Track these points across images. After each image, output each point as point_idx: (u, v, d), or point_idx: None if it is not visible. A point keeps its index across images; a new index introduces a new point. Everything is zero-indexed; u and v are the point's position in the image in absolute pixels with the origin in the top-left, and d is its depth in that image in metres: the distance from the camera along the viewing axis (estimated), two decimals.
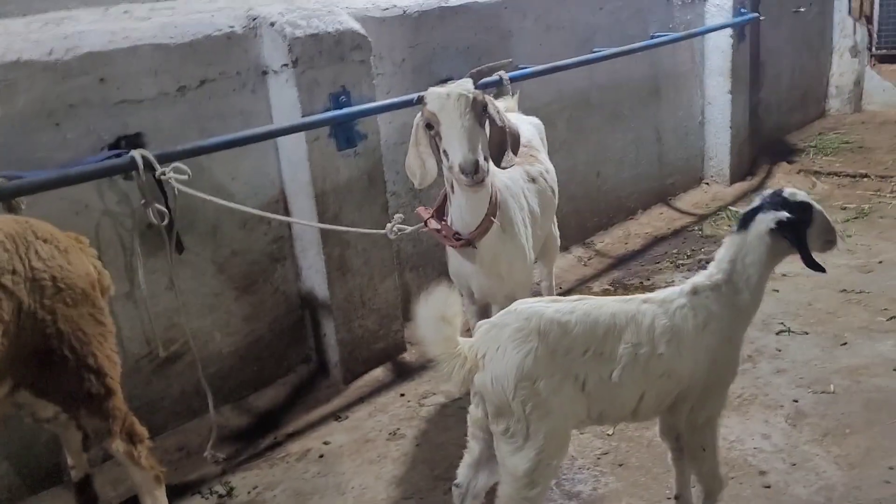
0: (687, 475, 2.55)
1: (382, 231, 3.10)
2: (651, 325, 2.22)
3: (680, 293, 2.32)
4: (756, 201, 2.37)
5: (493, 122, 2.69)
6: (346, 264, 3.76)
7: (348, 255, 3.76)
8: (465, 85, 2.65)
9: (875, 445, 2.94)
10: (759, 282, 2.32)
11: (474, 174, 2.47)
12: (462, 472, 2.38)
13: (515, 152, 2.80)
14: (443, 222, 2.81)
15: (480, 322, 2.24)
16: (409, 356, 4.05)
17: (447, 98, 2.54)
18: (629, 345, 2.18)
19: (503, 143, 2.73)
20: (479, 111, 2.59)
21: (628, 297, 2.34)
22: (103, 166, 2.83)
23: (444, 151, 2.58)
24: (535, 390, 2.08)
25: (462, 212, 2.70)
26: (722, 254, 2.37)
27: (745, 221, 2.34)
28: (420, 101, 2.67)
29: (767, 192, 2.38)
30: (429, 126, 2.62)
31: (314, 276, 3.76)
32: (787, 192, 2.36)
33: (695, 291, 2.31)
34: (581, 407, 2.20)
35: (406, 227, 3.08)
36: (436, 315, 2.09)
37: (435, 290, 2.10)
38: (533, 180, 3.18)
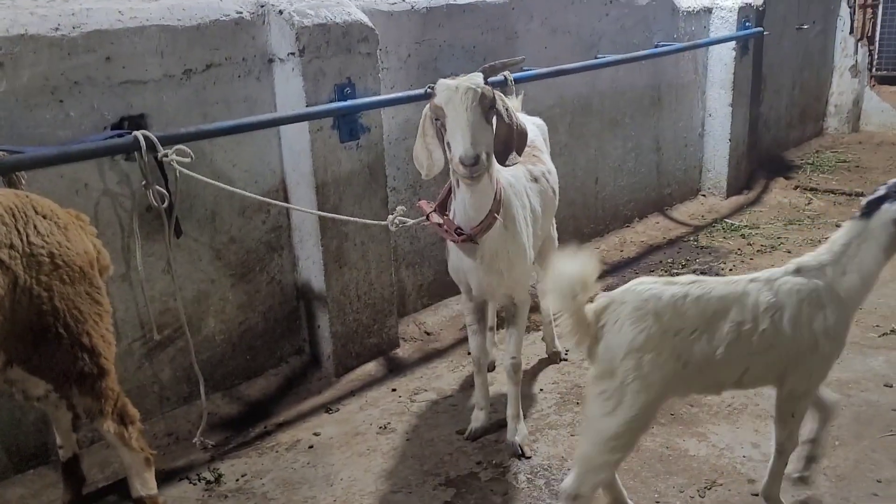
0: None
1: (384, 223, 3.09)
2: (755, 302, 2.32)
3: (784, 272, 2.41)
4: (881, 190, 2.39)
5: (500, 118, 2.68)
6: (344, 257, 3.75)
7: (346, 247, 3.75)
8: (475, 79, 2.64)
9: (864, 458, 2.95)
10: (874, 269, 2.38)
11: (472, 167, 2.47)
12: None
13: (521, 152, 2.79)
14: (445, 217, 2.81)
15: (601, 295, 2.34)
16: (401, 352, 4.04)
17: (455, 91, 2.54)
18: (733, 323, 2.29)
19: (509, 141, 2.73)
20: (487, 106, 2.58)
21: (735, 277, 2.42)
22: (105, 145, 2.81)
23: (448, 143, 2.57)
24: (639, 365, 2.23)
25: (465, 207, 2.69)
26: (837, 236, 2.43)
27: (869, 209, 2.38)
28: (429, 92, 2.66)
29: (893, 181, 2.39)
30: (436, 118, 2.61)
31: (311, 267, 3.75)
32: None
33: (798, 270, 2.40)
34: (679, 383, 2.34)
35: (407, 219, 3.06)
36: (576, 274, 2.20)
37: (581, 252, 2.23)
38: (535, 180, 3.18)
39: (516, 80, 4.03)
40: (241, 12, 3.38)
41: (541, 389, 3.59)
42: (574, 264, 2.21)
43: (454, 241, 2.77)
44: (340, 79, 3.54)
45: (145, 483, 2.62)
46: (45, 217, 2.35)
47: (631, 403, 2.25)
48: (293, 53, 3.41)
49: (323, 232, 3.64)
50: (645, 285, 2.34)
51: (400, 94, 3.76)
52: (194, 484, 2.99)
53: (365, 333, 3.92)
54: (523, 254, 2.88)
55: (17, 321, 2.27)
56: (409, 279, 4.37)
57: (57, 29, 2.83)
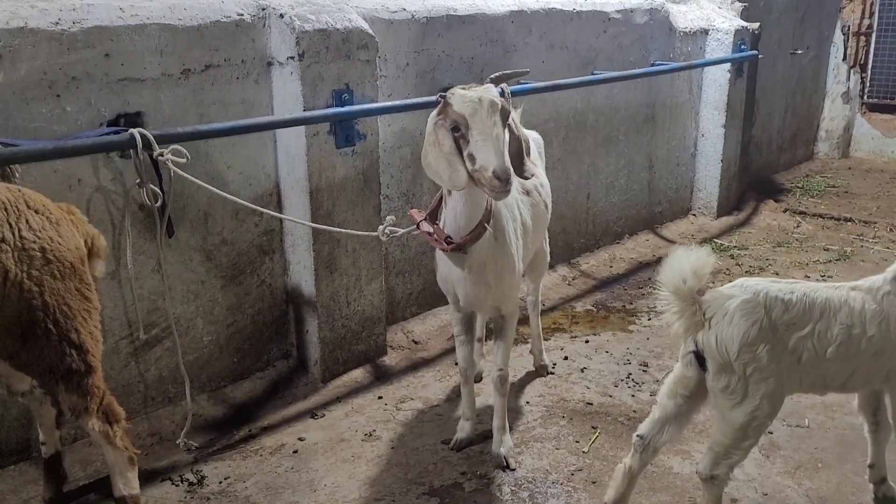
0: (882, 446, 2.77)
1: (374, 233, 3.08)
2: (862, 309, 2.42)
3: (884, 281, 2.49)
4: None
5: (511, 131, 2.69)
6: (335, 263, 3.75)
7: (337, 253, 3.75)
8: (493, 91, 2.63)
9: (846, 481, 2.97)
10: None
11: (507, 181, 2.48)
12: (647, 427, 2.58)
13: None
14: (435, 226, 2.81)
15: (710, 291, 2.39)
16: (389, 360, 4.03)
17: (479, 103, 2.52)
18: (844, 326, 2.39)
19: (521, 153, 2.74)
20: (504, 119, 2.59)
21: (836, 283, 2.51)
22: (101, 142, 2.80)
23: (471, 155, 2.54)
24: (756, 356, 2.32)
25: (456, 216, 2.69)
26: None
27: None
28: (443, 101, 2.60)
29: None
30: (454, 128, 2.57)
31: (302, 271, 3.74)
32: None
33: None
34: (795, 377, 2.42)
35: (398, 229, 3.06)
36: (690, 265, 2.30)
37: (699, 248, 2.35)
38: (527, 193, 3.19)
39: (513, 94, 4.04)
40: (242, 14, 3.38)
41: (527, 402, 3.59)
42: (689, 254, 2.32)
43: (443, 250, 2.78)
44: (339, 84, 3.54)
45: (128, 482, 2.60)
46: (37, 212, 2.34)
47: (754, 394, 2.35)
48: (292, 57, 3.42)
49: (315, 237, 3.63)
50: (751, 281, 2.45)
51: (398, 102, 3.78)
52: (177, 485, 2.97)
53: (353, 340, 3.91)
54: (512, 266, 2.88)
55: (5, 315, 2.25)
56: (398, 287, 4.37)
57: (57, 23, 2.83)
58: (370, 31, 3.64)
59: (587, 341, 4.23)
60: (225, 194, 3.04)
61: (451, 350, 4.17)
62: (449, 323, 4.45)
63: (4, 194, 2.29)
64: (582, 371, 3.88)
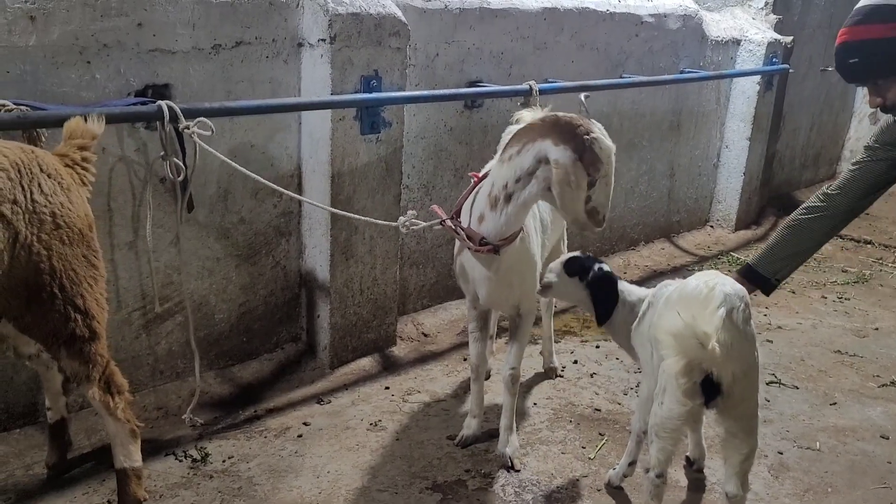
0: None
1: (394, 224, 3.04)
2: None
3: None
4: None
5: None
6: (351, 249, 3.72)
7: (354, 240, 3.72)
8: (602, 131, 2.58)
9: None
10: None
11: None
12: (663, 464, 2.50)
13: None
14: (467, 228, 2.77)
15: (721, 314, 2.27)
16: (398, 351, 4.01)
17: (614, 154, 2.53)
18: None
19: None
20: None
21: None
22: (128, 111, 2.78)
23: (589, 196, 2.53)
24: None
25: (503, 222, 2.64)
26: None
27: None
28: (585, 141, 2.47)
29: None
30: (590, 173, 2.50)
31: (317, 256, 3.72)
32: None
33: None
34: None
35: (419, 222, 3.01)
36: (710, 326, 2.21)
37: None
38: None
39: (542, 92, 4.02)
40: None
41: (534, 404, 3.57)
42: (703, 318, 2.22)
43: (476, 251, 2.73)
44: (368, 70, 3.51)
45: (129, 455, 2.58)
46: (49, 176, 2.32)
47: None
48: (324, 40, 3.38)
49: (333, 222, 3.61)
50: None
51: (427, 93, 3.76)
52: (180, 460, 2.96)
53: (364, 328, 3.89)
54: (534, 265, 2.86)
55: (13, 277, 2.24)
56: (411, 278, 4.34)
57: None
58: (403, 19, 3.60)
59: (598, 346, 4.20)
60: (250, 173, 3.01)
61: (460, 345, 4.16)
62: (459, 318, 4.44)
63: (19, 156, 2.27)
64: (591, 376, 3.85)
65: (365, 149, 3.64)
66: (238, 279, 3.58)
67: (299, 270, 3.82)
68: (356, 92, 3.48)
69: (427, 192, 4.28)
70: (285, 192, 3.27)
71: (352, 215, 3.25)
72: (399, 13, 3.60)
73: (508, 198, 2.60)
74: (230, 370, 3.60)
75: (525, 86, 4.05)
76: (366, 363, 3.85)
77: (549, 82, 4.43)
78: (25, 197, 2.21)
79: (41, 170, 2.28)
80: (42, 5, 2.69)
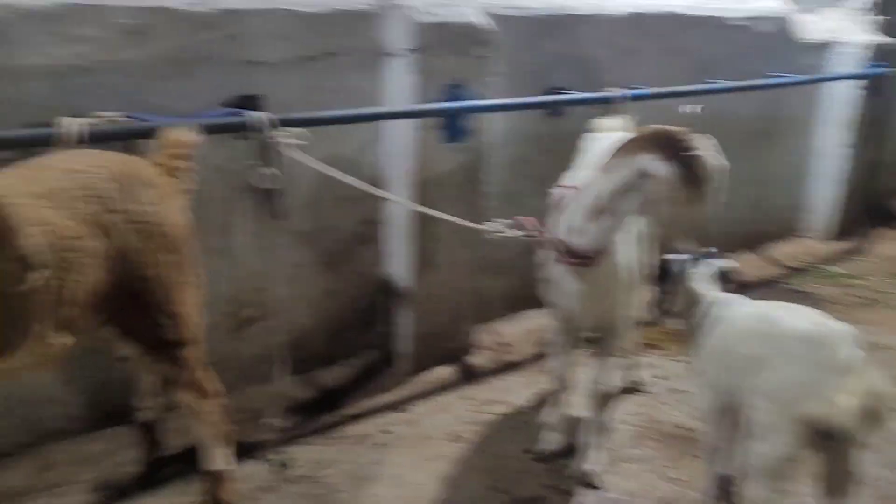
0: None
1: (482, 227, 3.03)
2: None
3: None
4: None
5: None
6: (431, 258, 3.73)
7: (435, 248, 3.73)
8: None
9: None
10: None
11: None
12: None
13: None
14: (553, 235, 2.74)
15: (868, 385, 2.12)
16: (476, 359, 4.00)
17: (719, 170, 2.44)
18: None
19: None
20: None
21: None
22: (222, 122, 2.86)
23: (690, 214, 2.48)
24: None
25: (599, 233, 2.60)
26: None
27: None
28: (691, 159, 2.39)
29: None
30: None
31: (398, 264, 3.75)
32: None
33: None
34: None
35: (507, 230, 2.98)
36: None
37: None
38: None
39: (626, 99, 3.94)
40: (364, 4, 3.39)
41: (617, 419, 3.48)
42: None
43: (571, 264, 2.69)
44: (452, 79, 3.51)
45: (220, 458, 2.65)
46: (149, 186, 2.40)
47: None
48: (409, 49, 3.40)
49: (415, 230, 3.63)
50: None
51: (510, 101, 3.74)
52: (264, 464, 3.02)
53: (442, 337, 3.89)
54: (632, 278, 2.80)
55: (115, 284, 2.32)
56: (490, 287, 4.31)
57: (192, 4, 2.91)
58: (487, 27, 3.59)
59: (683, 362, 4.08)
60: (349, 178, 3.04)
61: (540, 355, 4.10)
62: (537, 327, 4.38)
63: (121, 167, 2.35)
64: (676, 392, 3.74)
65: (447, 157, 3.64)
66: (320, 286, 3.63)
67: (379, 277, 3.85)
68: (440, 101, 3.48)
69: (508, 200, 4.24)
70: (389, 196, 3.28)
71: (444, 215, 3.21)
72: (484, 21, 3.59)
73: (605, 210, 2.55)
74: (311, 375, 3.66)
75: (609, 93, 3.98)
76: (444, 372, 3.85)
77: (634, 89, 4.33)
78: (127, 206, 2.29)
79: (142, 180, 2.36)
80: (145, 21, 2.80)
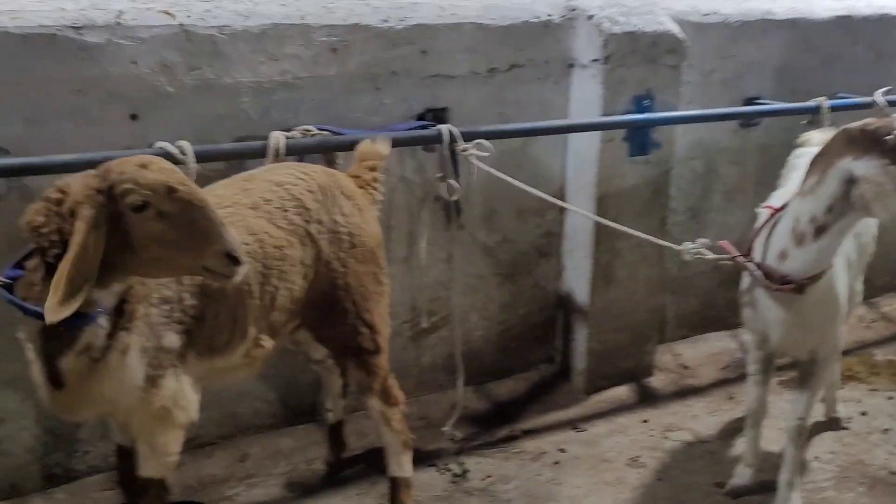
0: None
1: (678, 248, 2.88)
2: None
3: None
4: None
5: None
6: (612, 274, 3.61)
7: (616, 264, 3.61)
8: None
9: None
10: None
11: None
12: None
13: None
14: (755, 259, 2.56)
15: None
16: (655, 381, 3.82)
17: None
18: None
19: None
20: None
21: None
22: (412, 135, 2.93)
23: None
24: None
25: (813, 257, 2.41)
26: None
27: None
28: (890, 141, 2.19)
29: None
30: None
31: (577, 278, 3.66)
32: None
33: None
34: None
35: (707, 252, 2.80)
36: None
37: None
38: None
39: (832, 109, 3.63)
40: (552, 15, 3.36)
41: (816, 457, 3.19)
42: None
43: (776, 291, 2.50)
44: (640, 90, 3.39)
45: (401, 465, 2.70)
46: (348, 197, 2.49)
47: None
48: (597, 60, 3.33)
49: (596, 245, 3.53)
50: None
51: (703, 112, 3.62)
52: (441, 473, 3.04)
53: (620, 355, 3.76)
54: (838, 306, 2.56)
55: (314, 291, 2.43)
56: (670, 306, 4.12)
57: (385, 20, 3.00)
58: (680, 36, 3.44)
59: (890, 398, 3.68)
60: (536, 191, 3.03)
61: (724, 381, 3.87)
62: (721, 351, 4.15)
63: (324, 179, 2.46)
64: (884, 432, 3.37)
65: (632, 170, 3.52)
66: (498, 297, 3.62)
67: (557, 292, 3.79)
68: (627, 112, 3.38)
69: (693, 215, 4.05)
70: (576, 208, 3.25)
71: (635, 232, 3.09)
72: (676, 30, 3.44)
73: (819, 231, 2.34)
74: (486, 386, 3.65)
75: (812, 103, 3.68)
76: (621, 392, 3.72)
77: (838, 97, 3.99)
78: (329, 217, 2.39)
79: (341, 192, 2.46)
80: (343, 38, 2.92)
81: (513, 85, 3.35)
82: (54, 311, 1.76)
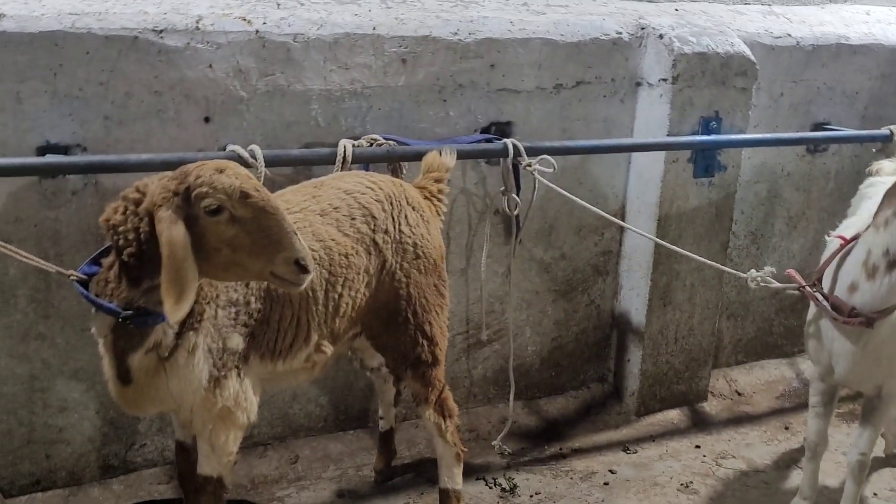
0: None
1: (744, 275, 2.83)
2: None
3: None
4: None
5: None
6: (670, 296, 3.56)
7: (674, 286, 3.56)
8: None
9: None
10: None
11: None
12: None
13: None
14: (825, 292, 2.50)
15: None
16: (708, 407, 3.76)
17: None
18: None
19: None
20: None
21: None
22: (477, 148, 2.94)
23: None
24: None
25: (885, 291, 2.35)
26: None
27: None
28: None
29: None
30: None
31: (633, 298, 3.62)
32: None
33: None
34: None
35: (773, 281, 2.75)
36: None
37: None
38: None
39: None
40: (621, 33, 3.34)
41: (875, 494, 3.10)
42: None
43: (844, 323, 2.44)
44: (708, 111, 3.35)
45: (452, 477, 2.69)
46: (413, 208, 2.51)
47: None
48: (665, 79, 3.30)
49: (654, 266, 3.49)
50: None
51: (771, 136, 3.60)
52: (490, 487, 3.03)
53: (674, 378, 3.70)
54: None
55: (376, 300, 2.44)
56: (726, 330, 4.05)
57: (455, 33, 3.01)
58: (752, 58, 3.39)
59: None
60: (597, 210, 3.03)
61: (780, 410, 3.80)
62: (777, 379, 4.07)
63: (391, 189, 2.48)
64: None
65: (695, 192, 3.47)
66: (553, 314, 3.60)
67: (612, 311, 3.75)
68: (693, 133, 3.34)
69: (754, 240, 3.97)
70: (637, 230, 3.21)
71: (698, 257, 3.06)
72: (748, 51, 3.39)
73: (892, 265, 2.28)
74: (537, 402, 3.63)
75: (884, 130, 3.60)
76: (674, 416, 3.66)
77: None
78: (394, 227, 2.41)
79: (408, 202, 2.48)
80: (413, 49, 2.95)
81: (578, 101, 3.34)
82: (173, 311, 1.82)
